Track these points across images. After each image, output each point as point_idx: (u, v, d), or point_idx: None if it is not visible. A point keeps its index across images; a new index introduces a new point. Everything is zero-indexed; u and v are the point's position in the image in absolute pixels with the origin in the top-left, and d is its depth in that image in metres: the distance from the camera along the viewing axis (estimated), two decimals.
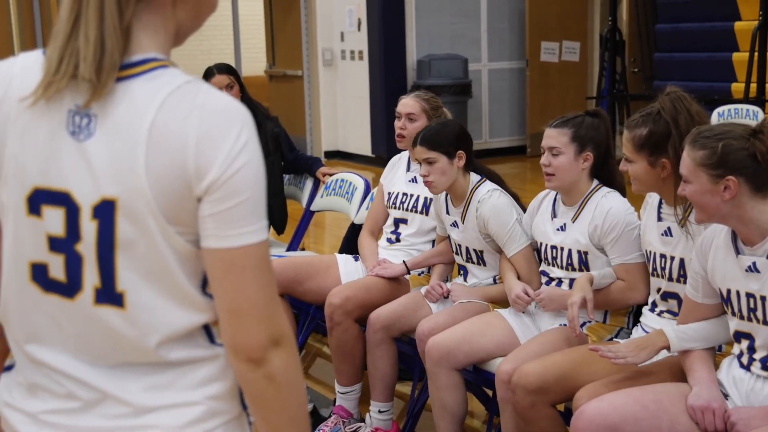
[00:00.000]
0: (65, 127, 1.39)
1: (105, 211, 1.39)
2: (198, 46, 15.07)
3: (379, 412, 3.73)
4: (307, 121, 12.04)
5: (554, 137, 3.25)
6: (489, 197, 3.52)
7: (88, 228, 1.40)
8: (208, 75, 4.82)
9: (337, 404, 3.88)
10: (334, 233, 7.60)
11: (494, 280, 3.64)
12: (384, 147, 10.66)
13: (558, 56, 11.55)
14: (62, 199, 1.41)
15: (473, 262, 3.66)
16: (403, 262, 3.86)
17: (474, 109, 11.34)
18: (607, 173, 3.29)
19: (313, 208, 4.96)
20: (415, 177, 3.97)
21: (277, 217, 4.94)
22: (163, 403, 1.47)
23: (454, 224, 3.64)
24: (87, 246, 1.41)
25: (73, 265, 1.43)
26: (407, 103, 4.06)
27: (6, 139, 1.43)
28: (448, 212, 3.68)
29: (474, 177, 3.62)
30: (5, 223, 1.48)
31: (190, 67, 16.52)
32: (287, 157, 4.99)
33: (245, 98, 4.80)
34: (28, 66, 1.45)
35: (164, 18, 1.43)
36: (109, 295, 1.43)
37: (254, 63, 14.06)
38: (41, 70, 1.40)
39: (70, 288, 1.45)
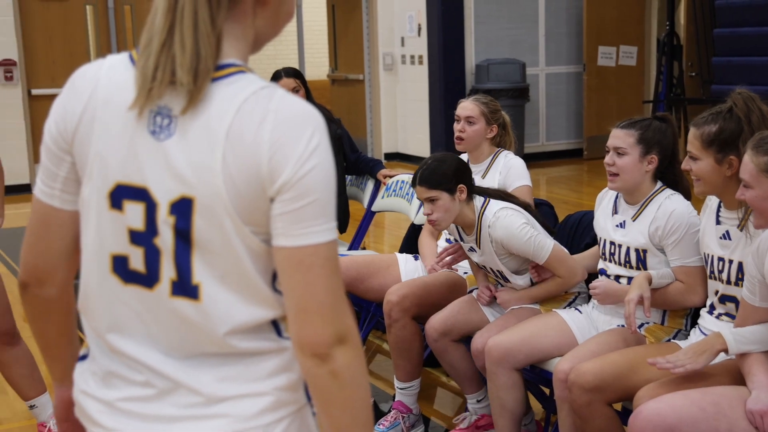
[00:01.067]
0: (146, 126, 1.42)
1: (182, 208, 1.42)
2: (264, 51, 15.01)
3: (477, 401, 3.71)
4: (367, 123, 12.06)
5: (621, 138, 3.20)
6: (496, 220, 3.39)
7: (165, 223, 1.43)
8: (275, 78, 4.89)
9: (396, 399, 3.87)
10: (394, 233, 7.60)
11: (531, 281, 3.56)
12: (443, 149, 10.61)
13: (615, 60, 11.41)
14: (142, 195, 1.44)
15: (501, 280, 3.59)
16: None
17: (531, 112, 11.25)
18: (672, 177, 3.23)
19: (374, 208, 4.97)
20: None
21: (339, 217, 4.95)
22: (233, 393, 1.48)
23: (472, 249, 3.56)
24: (164, 240, 1.45)
25: (152, 257, 1.46)
26: (466, 107, 4.04)
27: (91, 138, 1.47)
28: (462, 240, 3.60)
29: (478, 201, 3.47)
30: (87, 217, 1.51)
31: (257, 70, 16.60)
32: (350, 159, 5.02)
33: (309, 101, 4.82)
34: (115, 67, 1.48)
35: (245, 26, 1.47)
36: (184, 287, 1.46)
37: (317, 67, 14.14)
38: (126, 71, 1.45)
39: (149, 279, 1.48)
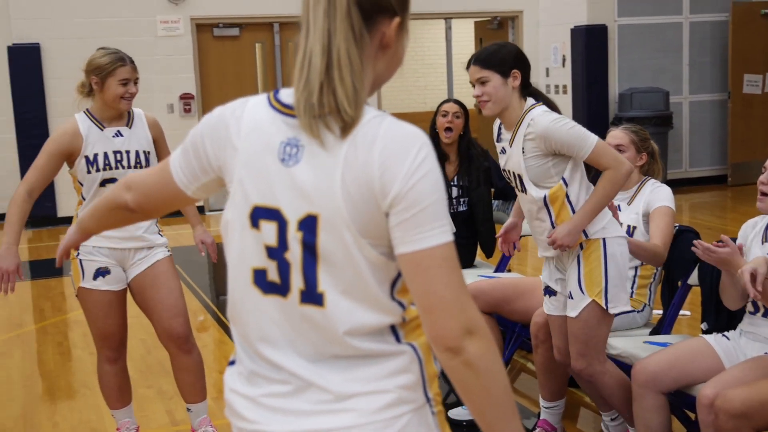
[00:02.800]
0: (277, 155, 1.56)
1: (308, 224, 1.54)
2: (415, 82, 15.37)
3: (612, 420, 3.63)
4: None
5: None
6: (540, 115, 3.19)
7: (294, 239, 1.56)
8: (443, 102, 4.99)
9: (541, 418, 3.82)
10: (536, 255, 7.50)
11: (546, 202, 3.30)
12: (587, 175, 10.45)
13: (761, 88, 10.94)
14: (275, 215, 1.58)
15: (520, 187, 3.38)
16: None
17: (674, 139, 10.92)
18: None
19: (523, 231, 4.93)
20: (619, 205, 3.86)
21: (486, 241, 4.99)
22: (359, 390, 1.57)
23: (503, 151, 3.37)
24: (293, 254, 1.57)
25: (284, 270, 1.59)
26: (616, 135, 3.97)
27: (234, 167, 1.61)
28: (499, 139, 3.43)
29: (530, 101, 3.28)
30: (230, 237, 1.64)
31: (409, 100, 16.77)
32: (497, 186, 5.05)
33: (466, 129, 4.92)
34: (257, 106, 1.62)
35: (371, 68, 1.58)
36: (311, 295, 1.57)
37: (464, 98, 14.13)
38: (265, 111, 1.60)
39: (283, 288, 1.60)
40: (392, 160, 1.49)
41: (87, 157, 3.51)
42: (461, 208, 4.89)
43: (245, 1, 10.74)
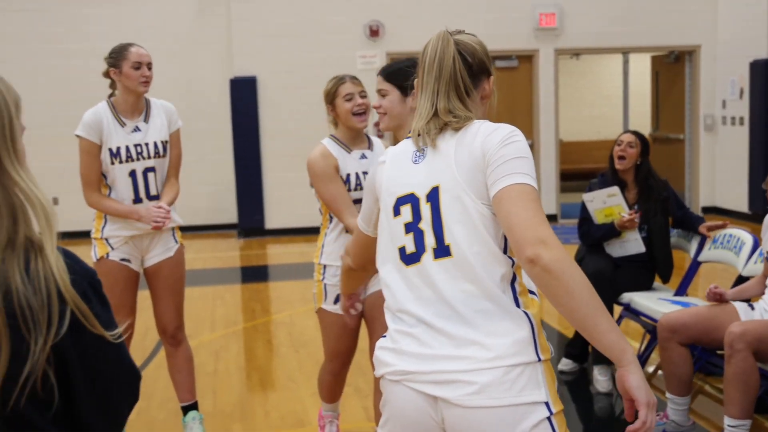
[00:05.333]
0: (411, 159, 2.01)
1: (434, 195, 1.92)
2: (590, 112, 15.06)
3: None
4: (686, 179, 11.53)
5: None
6: None
7: (425, 209, 1.92)
8: (622, 133, 4.95)
9: None
10: (710, 281, 7.17)
11: None
12: (760, 203, 9.87)
13: None
14: (410, 198, 1.96)
15: None
16: None
17: None
18: None
19: (701, 258, 4.77)
20: None
21: (662, 267, 4.86)
22: (480, 339, 1.81)
23: None
24: (425, 222, 1.92)
25: (419, 238, 1.92)
26: None
27: (383, 176, 2.05)
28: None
29: None
30: (381, 229, 2.02)
31: (583, 129, 16.28)
32: (676, 215, 4.91)
33: (644, 159, 4.83)
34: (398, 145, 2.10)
35: (478, 111, 2.06)
36: (441, 249, 1.89)
37: (639, 128, 13.70)
38: (406, 142, 2.06)
39: (418, 255, 1.92)
40: (490, 137, 1.89)
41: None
42: (642, 234, 4.80)
43: None
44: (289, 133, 10.53)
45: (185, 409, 4.11)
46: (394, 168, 2.02)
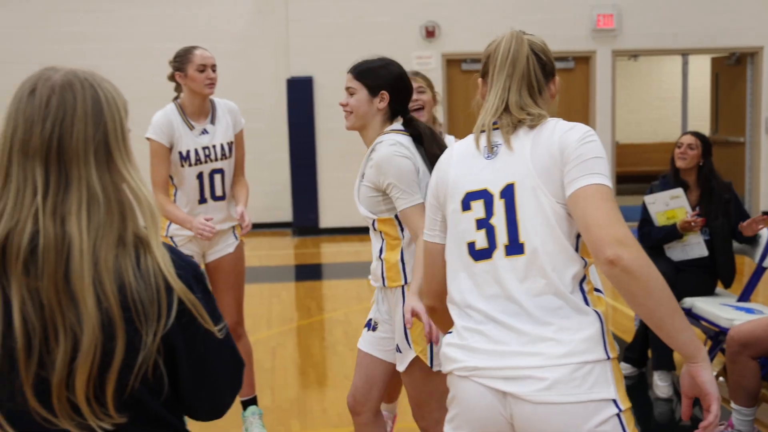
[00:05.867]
0: (483, 155, 1.99)
1: (508, 192, 1.90)
2: (648, 114, 14.83)
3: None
4: (746, 182, 11.28)
5: None
6: (387, 145, 2.76)
7: (498, 205, 1.91)
8: (683, 134, 4.89)
9: None
10: None
11: (374, 225, 2.85)
12: None
13: None
14: (482, 194, 1.94)
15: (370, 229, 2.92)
16: None
17: None
18: None
19: (765, 264, 4.64)
20: None
21: (723, 272, 4.75)
22: (551, 336, 1.80)
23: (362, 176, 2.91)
24: (498, 218, 1.90)
25: (491, 234, 1.91)
26: None
27: (449, 173, 2.02)
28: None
29: (395, 126, 2.87)
30: (449, 226, 2.00)
31: (640, 131, 16.10)
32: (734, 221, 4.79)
33: (706, 161, 4.75)
34: (464, 141, 2.08)
35: (547, 107, 2.06)
36: (514, 247, 1.88)
37: (698, 129, 13.46)
38: (469, 138, 2.04)
39: (489, 251, 1.90)
40: (567, 135, 1.89)
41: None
42: (704, 237, 4.70)
43: (490, 38, 10.83)
44: (343, 133, 10.55)
45: (245, 404, 4.15)
46: (461, 165, 2.01)
